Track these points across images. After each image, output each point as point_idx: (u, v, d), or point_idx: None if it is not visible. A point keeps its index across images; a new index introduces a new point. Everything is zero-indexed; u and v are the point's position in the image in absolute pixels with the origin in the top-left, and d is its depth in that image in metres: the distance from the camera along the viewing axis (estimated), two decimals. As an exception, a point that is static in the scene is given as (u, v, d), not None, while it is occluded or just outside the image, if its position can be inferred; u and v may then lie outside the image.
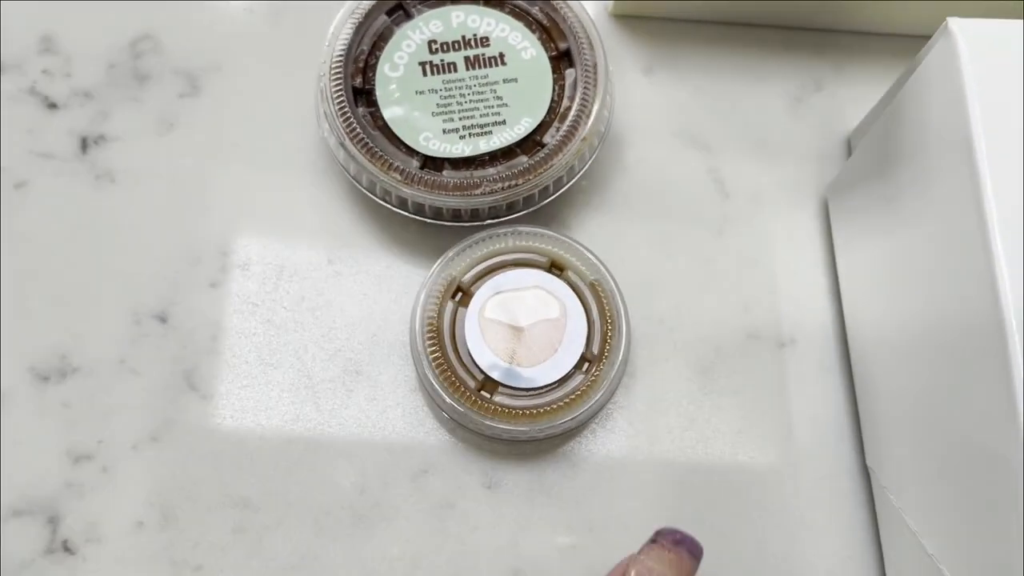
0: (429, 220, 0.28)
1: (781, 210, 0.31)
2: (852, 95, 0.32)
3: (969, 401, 0.21)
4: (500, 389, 0.26)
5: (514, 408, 0.26)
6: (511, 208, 0.28)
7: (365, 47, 0.29)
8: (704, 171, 0.31)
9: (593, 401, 0.26)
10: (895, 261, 0.26)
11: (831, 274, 0.30)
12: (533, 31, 0.29)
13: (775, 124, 0.32)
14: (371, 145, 0.27)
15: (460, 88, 0.28)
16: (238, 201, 0.30)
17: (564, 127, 0.28)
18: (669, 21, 0.33)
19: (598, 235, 0.30)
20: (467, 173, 0.27)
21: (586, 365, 0.27)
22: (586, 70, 0.28)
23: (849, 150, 0.32)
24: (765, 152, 0.32)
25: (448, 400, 0.26)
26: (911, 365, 0.25)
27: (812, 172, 0.32)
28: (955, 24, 0.23)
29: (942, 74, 0.23)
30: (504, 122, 0.28)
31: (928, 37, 0.24)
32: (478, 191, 0.27)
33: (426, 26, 0.29)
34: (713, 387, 0.29)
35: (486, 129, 0.28)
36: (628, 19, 0.33)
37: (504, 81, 0.28)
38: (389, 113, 0.28)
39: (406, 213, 0.28)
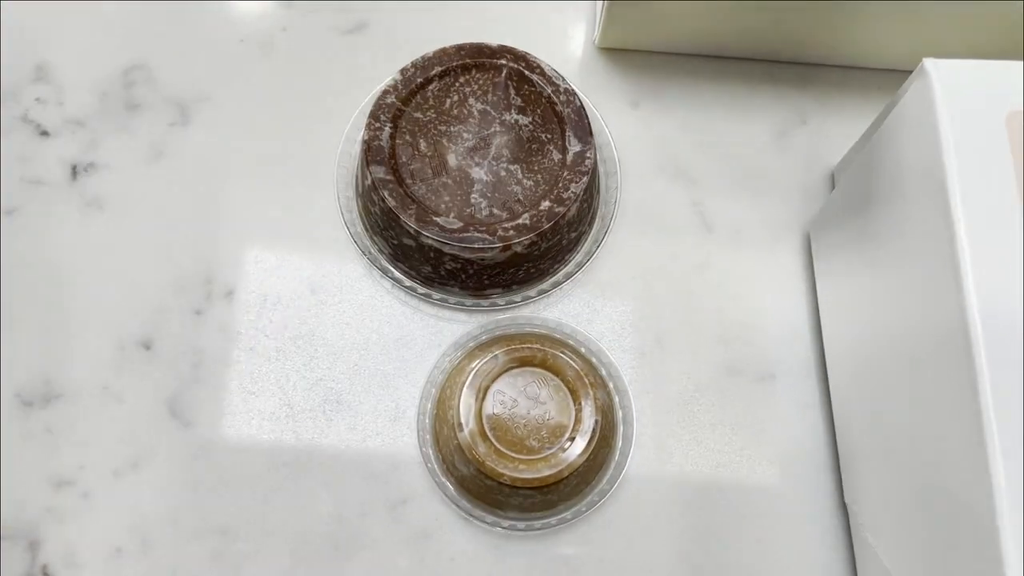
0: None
1: (764, 244, 0.31)
2: (836, 129, 0.32)
3: (941, 444, 0.21)
4: None
5: None
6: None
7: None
8: (688, 204, 0.32)
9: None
10: (872, 298, 0.26)
11: (813, 310, 0.30)
12: None
13: (760, 158, 0.32)
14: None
15: None
16: (223, 230, 0.31)
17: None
18: (655, 54, 0.33)
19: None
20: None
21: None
22: None
23: (833, 184, 0.32)
24: (749, 186, 0.32)
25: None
26: (885, 403, 0.25)
27: (796, 206, 0.32)
28: (931, 64, 0.23)
29: (918, 114, 0.23)
30: None
31: (910, 72, 0.24)
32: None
33: None
34: (693, 421, 0.29)
35: None
36: (614, 52, 0.33)
37: None
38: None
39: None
